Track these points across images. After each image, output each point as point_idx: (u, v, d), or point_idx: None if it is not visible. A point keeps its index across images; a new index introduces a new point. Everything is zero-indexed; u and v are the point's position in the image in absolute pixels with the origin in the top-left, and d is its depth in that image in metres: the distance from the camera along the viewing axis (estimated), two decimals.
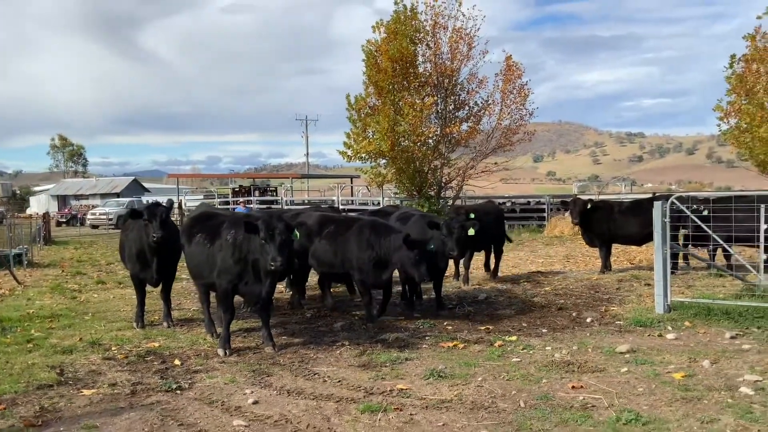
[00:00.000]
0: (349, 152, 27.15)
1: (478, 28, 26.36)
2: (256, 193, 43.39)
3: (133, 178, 69.05)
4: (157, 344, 8.12)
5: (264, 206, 33.89)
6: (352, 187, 42.96)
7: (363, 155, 26.78)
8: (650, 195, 17.36)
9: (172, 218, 9.84)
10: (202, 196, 48.94)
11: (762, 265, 10.76)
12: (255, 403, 5.80)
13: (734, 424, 5.01)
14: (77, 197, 62.86)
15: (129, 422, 5.35)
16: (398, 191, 29.18)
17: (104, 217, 40.03)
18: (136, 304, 9.47)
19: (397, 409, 5.52)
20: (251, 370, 6.90)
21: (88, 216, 42.42)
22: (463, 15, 26.27)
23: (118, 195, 57.81)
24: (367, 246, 8.91)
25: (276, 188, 47.18)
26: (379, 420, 5.30)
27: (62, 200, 63.50)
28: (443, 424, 5.17)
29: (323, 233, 9.61)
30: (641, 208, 13.27)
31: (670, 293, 9.39)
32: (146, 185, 72.08)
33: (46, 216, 30.07)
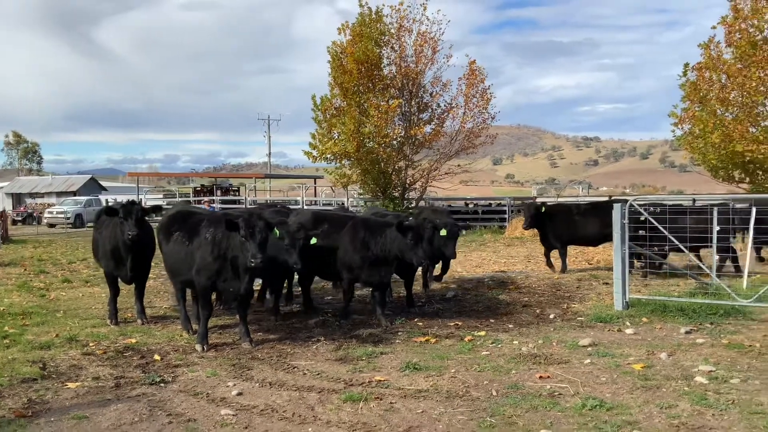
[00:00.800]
0: (315, 153, 27.38)
1: (443, 32, 26.90)
2: (218, 192, 43.20)
3: (90, 176, 67.64)
4: (134, 340, 8.23)
5: (227, 206, 33.76)
6: (315, 187, 43.04)
7: (328, 156, 27.04)
8: (606, 198, 18.01)
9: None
10: (161, 196, 48.45)
11: (715, 265, 11.38)
12: (239, 394, 6.02)
13: (690, 409, 5.43)
14: (32, 195, 61.44)
15: (118, 413, 5.52)
16: (363, 192, 29.49)
17: (61, 216, 39.32)
18: (109, 301, 9.53)
19: (377, 398, 5.81)
20: (231, 365, 7.10)
21: (45, 215, 41.59)
22: (428, 19, 26.77)
23: (74, 193, 56.68)
24: (362, 245, 9.06)
25: (238, 188, 47.02)
26: (361, 408, 5.58)
27: (17, 198, 61.97)
28: (422, 411, 5.48)
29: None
30: (598, 211, 13.84)
31: (628, 291, 9.88)
32: (103, 184, 70.83)
33: (2, 214, 29.46)
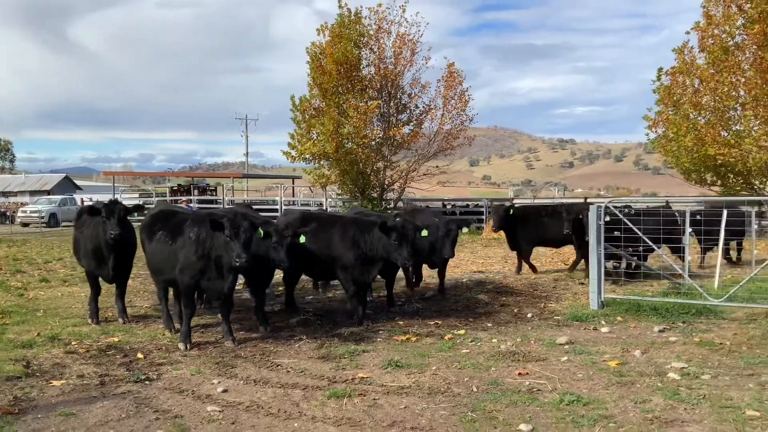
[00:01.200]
0: (294, 153, 27.45)
1: (422, 34, 27.13)
2: (196, 192, 42.94)
3: (64, 175, 66.97)
4: (116, 339, 8.25)
5: (205, 206, 33.62)
6: (293, 187, 43.00)
7: (307, 156, 27.12)
8: (582, 200, 18.30)
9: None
10: (137, 195, 48.07)
11: (687, 266, 11.66)
12: (224, 391, 6.10)
13: (663, 403, 5.64)
14: (5, 194, 60.56)
15: (105, 409, 5.58)
16: (341, 192, 29.60)
17: (35, 215, 38.84)
18: (90, 300, 9.52)
19: (361, 394, 5.94)
20: (215, 363, 7.18)
21: (18, 214, 41.04)
22: (407, 21, 26.98)
23: (48, 192, 56.02)
24: (353, 244, 9.13)
25: (216, 187, 46.78)
26: (346, 404, 5.70)
27: None
28: (405, 407, 5.62)
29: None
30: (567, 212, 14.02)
31: (604, 291, 10.12)
32: (78, 183, 70.02)
33: None
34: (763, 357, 7.10)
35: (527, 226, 14.26)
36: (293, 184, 45.15)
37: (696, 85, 23.49)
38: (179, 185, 47.36)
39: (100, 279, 9.50)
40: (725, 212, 12.96)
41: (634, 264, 12.28)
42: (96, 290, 9.52)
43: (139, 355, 7.46)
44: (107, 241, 8.79)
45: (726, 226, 11.94)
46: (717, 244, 12.49)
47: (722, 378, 6.37)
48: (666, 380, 6.33)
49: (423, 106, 27.91)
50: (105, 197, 38.51)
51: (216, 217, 7.74)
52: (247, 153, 68.84)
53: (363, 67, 27.14)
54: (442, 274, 11.73)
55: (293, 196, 41.68)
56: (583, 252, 12.80)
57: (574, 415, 5.35)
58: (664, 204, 14.50)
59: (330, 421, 5.28)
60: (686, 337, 8.12)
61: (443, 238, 10.50)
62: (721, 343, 7.75)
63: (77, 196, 45.93)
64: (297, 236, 8.68)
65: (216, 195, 43.10)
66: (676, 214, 12.97)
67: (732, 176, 24.03)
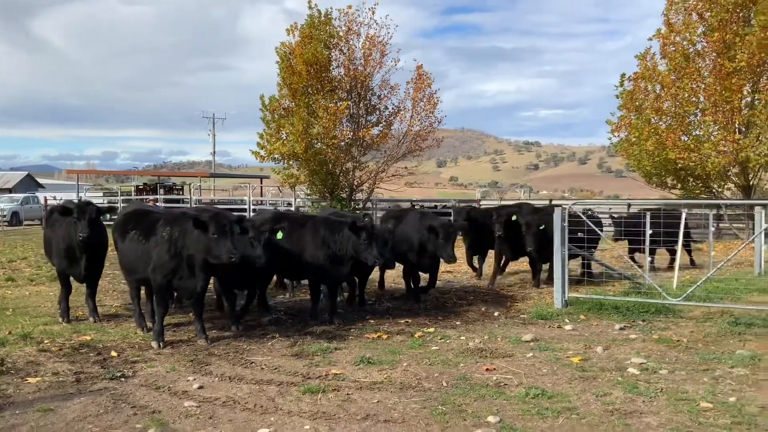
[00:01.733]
0: (263, 152, 27.41)
1: (391, 36, 27.32)
2: (162, 191, 42.52)
3: (26, 173, 65.59)
4: (88, 337, 8.29)
5: (171, 205, 33.35)
6: (261, 187, 42.87)
7: (276, 156, 27.11)
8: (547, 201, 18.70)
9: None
10: (101, 194, 47.43)
11: (647, 266, 12.09)
12: (200, 387, 6.22)
13: (623, 396, 5.93)
14: None
15: (82, 405, 5.66)
16: (310, 193, 29.64)
17: None
18: (61, 299, 9.51)
19: (335, 390, 6.12)
20: (189, 360, 7.28)
21: None
22: (377, 23, 27.15)
23: (10, 191, 54.91)
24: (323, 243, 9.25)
25: (182, 186, 46.37)
26: (320, 399, 5.87)
27: None
28: (378, 401, 5.82)
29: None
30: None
31: (567, 290, 10.44)
32: (40, 181, 68.69)
33: None
34: (718, 353, 7.46)
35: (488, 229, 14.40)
36: (261, 183, 44.99)
37: (657, 91, 24.13)
38: (145, 184, 46.82)
39: (71, 278, 9.51)
40: (684, 214, 13.45)
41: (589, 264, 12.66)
42: (67, 289, 9.52)
43: (113, 353, 7.52)
44: (78, 242, 8.82)
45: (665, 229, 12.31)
46: (656, 247, 12.85)
47: (679, 373, 6.71)
48: (626, 375, 6.63)
49: (392, 108, 28.10)
50: (69, 196, 37.83)
51: (198, 216, 7.81)
52: (214, 152, 68.49)
53: (333, 68, 27.23)
54: (433, 278, 11.23)
55: (261, 195, 41.55)
56: (530, 257, 12.95)
57: (539, 408, 5.60)
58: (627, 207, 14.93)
59: (306, 415, 5.44)
60: (645, 335, 8.48)
61: (443, 241, 10.20)
62: (678, 340, 8.10)
63: (40, 195, 45.13)
64: (274, 233, 8.78)
65: (183, 194, 42.74)
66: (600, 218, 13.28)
67: (691, 180, 24.72)
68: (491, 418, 5.33)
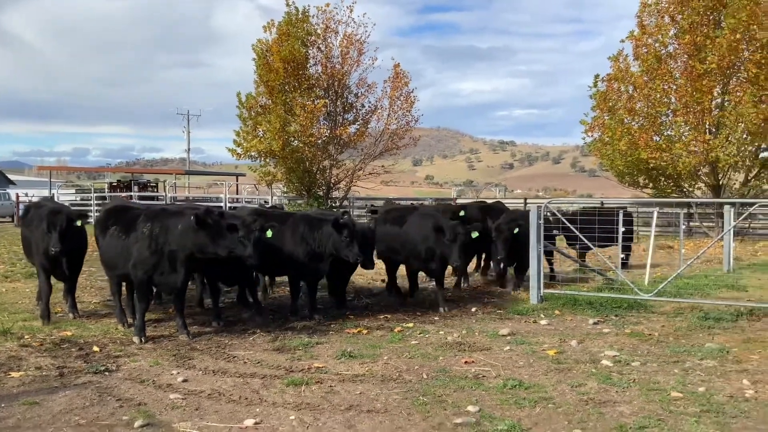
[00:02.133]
0: (239, 150, 27.42)
1: (368, 35, 27.49)
2: (136, 188, 42.14)
3: None
4: (69, 333, 8.29)
5: (147, 203, 33.10)
6: (237, 185, 42.72)
7: (253, 153, 27.13)
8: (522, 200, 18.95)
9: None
10: (73, 191, 46.87)
11: (620, 263, 12.39)
12: (185, 381, 6.30)
13: (597, 387, 6.15)
14: None
15: (68, 399, 5.72)
16: (287, 191, 29.69)
17: None
18: (41, 299, 9.25)
19: (318, 382, 6.25)
20: (172, 355, 7.34)
21: None
22: (354, 21, 27.29)
23: None
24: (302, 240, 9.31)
25: (157, 184, 45.99)
26: (304, 391, 5.99)
27: None
28: (360, 393, 5.96)
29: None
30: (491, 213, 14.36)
31: (542, 286, 10.67)
32: (10, 177, 67.55)
33: None
34: (688, 346, 7.72)
35: None
36: (237, 181, 44.82)
37: (630, 92, 24.57)
38: (119, 181, 46.35)
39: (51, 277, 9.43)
40: (655, 213, 13.77)
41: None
42: (48, 289, 9.23)
43: (95, 348, 7.55)
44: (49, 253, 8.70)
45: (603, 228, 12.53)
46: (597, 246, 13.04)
47: (650, 365, 6.94)
48: (600, 367, 6.85)
49: (369, 106, 28.31)
50: (41, 192, 37.18)
51: (203, 214, 7.83)
52: (189, 149, 67.93)
53: (310, 66, 27.34)
54: (440, 283, 10.53)
55: (237, 193, 41.41)
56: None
57: (516, 398, 5.79)
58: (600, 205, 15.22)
59: (290, 406, 5.56)
60: (618, 329, 8.73)
61: (450, 243, 9.77)
62: (650, 334, 8.36)
63: (11, 191, 44.43)
64: (264, 231, 8.83)
65: (157, 191, 42.39)
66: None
67: (663, 179, 25.21)
68: (471, 408, 5.50)
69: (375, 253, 10.15)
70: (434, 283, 10.75)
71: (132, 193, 37.90)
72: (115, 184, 44.61)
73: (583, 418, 5.32)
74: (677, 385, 6.18)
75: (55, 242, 8.51)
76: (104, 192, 41.31)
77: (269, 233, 8.97)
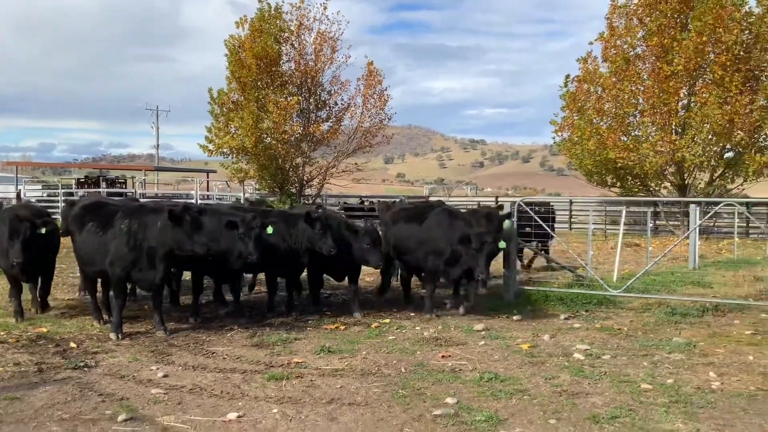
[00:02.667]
0: (211, 147, 27.24)
1: (342, 33, 27.50)
2: (104, 184, 41.58)
3: None
4: (45, 329, 8.25)
5: (118, 198, 32.67)
6: (208, 181, 42.41)
7: (225, 150, 26.97)
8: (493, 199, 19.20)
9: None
10: (40, 187, 46.09)
11: (590, 260, 12.66)
12: (165, 376, 6.35)
13: (570, 379, 6.35)
14: None
15: (49, 394, 5.73)
16: (259, 187, 29.59)
17: None
18: (12, 298, 9.12)
19: (298, 377, 6.34)
20: (150, 351, 7.36)
21: None
22: (328, 19, 27.28)
23: None
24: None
25: (125, 180, 45.41)
26: (285, 385, 6.08)
27: None
28: (341, 387, 6.07)
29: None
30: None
31: (515, 283, 10.89)
32: None
33: None
34: (656, 340, 7.98)
35: None
36: (208, 178, 44.48)
37: (599, 93, 24.99)
38: (86, 177, 45.66)
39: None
40: (624, 211, 14.06)
41: None
42: (17, 288, 9.08)
43: (72, 345, 7.54)
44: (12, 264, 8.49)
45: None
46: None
47: (620, 358, 7.18)
48: (572, 360, 7.06)
49: (342, 104, 28.33)
50: (7, 188, 36.37)
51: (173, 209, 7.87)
52: (158, 145, 67.08)
53: (283, 63, 27.25)
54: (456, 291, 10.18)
55: (208, 190, 41.11)
56: None
57: (493, 390, 5.96)
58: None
59: (272, 400, 5.65)
60: (589, 324, 8.97)
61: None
62: (619, 329, 8.62)
63: None
64: (265, 227, 8.83)
65: (126, 188, 41.86)
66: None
67: (630, 178, 25.70)
68: (449, 400, 5.65)
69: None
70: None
71: (100, 190, 37.39)
72: (82, 180, 43.93)
73: (557, 409, 5.50)
74: (647, 378, 6.41)
75: (17, 253, 8.20)
76: (71, 188, 40.73)
77: (270, 230, 8.91)
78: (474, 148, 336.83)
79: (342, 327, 8.67)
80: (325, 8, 27.18)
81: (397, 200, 18.77)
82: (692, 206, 15.81)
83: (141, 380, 6.21)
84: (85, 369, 6.55)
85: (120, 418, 5.16)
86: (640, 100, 24.13)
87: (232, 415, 5.27)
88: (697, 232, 14.59)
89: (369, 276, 12.56)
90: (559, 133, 26.66)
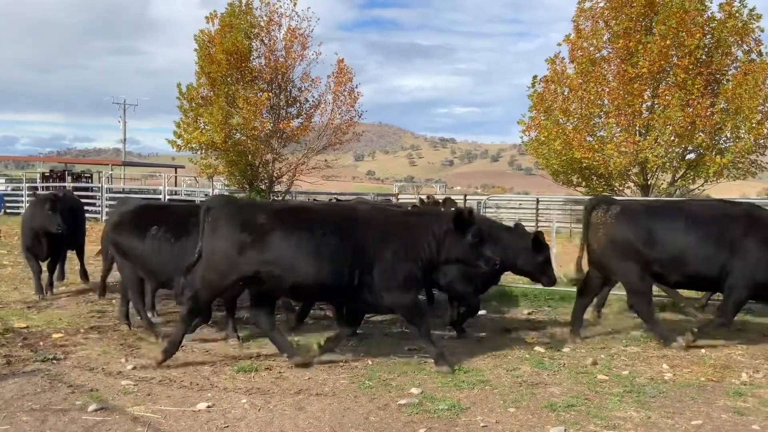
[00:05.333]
0: (180, 142, 27.07)
1: (312, 29, 27.52)
2: (69, 179, 41.01)
3: None
4: (12, 324, 8.24)
5: (80, 194, 32.31)
6: (176, 177, 42.07)
7: (194, 145, 26.84)
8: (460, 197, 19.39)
9: None
10: (2, 180, 45.32)
11: (554, 257, 12.91)
12: (134, 368, 6.42)
13: (530, 371, 6.59)
14: None
15: (18, 385, 5.77)
16: (228, 183, 29.49)
17: None
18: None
19: (267, 368, 6.48)
20: (119, 344, 7.42)
21: None
22: (298, 15, 27.28)
23: None
24: None
25: (91, 175, 44.81)
26: (254, 377, 6.22)
27: None
28: (309, 378, 6.22)
29: None
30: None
31: None
32: None
33: None
34: (614, 333, 8.28)
35: None
36: (176, 173, 44.13)
37: (566, 94, 25.40)
38: (51, 171, 44.98)
39: None
40: None
41: None
42: None
43: (40, 338, 7.56)
44: None
45: None
46: None
47: (579, 350, 7.45)
48: (533, 353, 7.31)
49: (313, 101, 28.34)
50: None
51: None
52: (125, 139, 66.26)
53: (253, 59, 27.16)
54: None
55: (176, 185, 40.79)
56: None
57: (456, 381, 6.17)
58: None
59: (241, 391, 5.78)
60: (550, 318, 9.25)
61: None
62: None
63: None
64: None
65: (92, 182, 41.32)
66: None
67: (595, 178, 26.14)
68: (414, 390, 5.84)
69: None
70: None
71: (66, 184, 36.88)
72: (47, 174, 43.27)
73: (516, 398, 5.72)
74: (603, 369, 6.68)
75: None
76: (36, 182, 40.09)
77: None
78: (444, 146, 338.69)
79: (311, 321, 8.81)
80: (295, 4, 27.18)
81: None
82: None
83: (110, 372, 6.28)
84: (54, 361, 6.59)
85: (90, 408, 5.25)
86: (606, 102, 24.55)
87: (202, 405, 5.39)
88: None
89: None
90: (527, 133, 26.97)
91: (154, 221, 7.66)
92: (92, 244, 13.42)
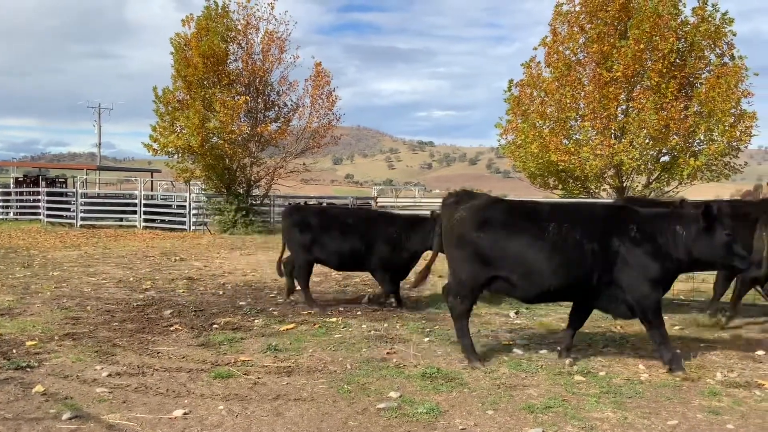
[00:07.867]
0: (156, 146, 26.87)
1: (290, 33, 27.50)
2: (44, 183, 40.41)
3: None
4: None
5: (55, 198, 31.91)
6: (152, 181, 41.66)
7: (171, 149, 26.64)
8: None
9: None
10: None
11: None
12: (109, 375, 6.34)
13: (509, 373, 6.62)
14: None
15: None
16: (206, 188, 29.29)
17: None
18: None
19: (245, 374, 6.43)
20: (94, 351, 7.31)
21: None
22: (276, 19, 27.25)
23: None
24: None
25: (66, 179, 44.21)
26: (231, 383, 6.16)
27: None
28: (287, 383, 6.19)
29: None
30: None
31: None
32: None
33: None
34: (591, 335, 8.36)
35: None
36: (152, 177, 43.68)
37: (542, 97, 25.61)
38: (25, 175, 44.29)
39: None
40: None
41: None
42: None
43: (13, 346, 7.43)
44: None
45: None
46: None
47: (557, 352, 7.47)
48: (511, 355, 7.34)
49: (291, 104, 28.30)
50: None
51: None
52: (100, 143, 65.43)
53: (230, 62, 27.07)
54: None
55: (152, 190, 40.38)
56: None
57: (435, 384, 6.17)
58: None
59: (218, 398, 5.73)
60: (529, 321, 9.31)
61: None
62: (557, 325, 8.95)
63: None
64: None
65: (66, 187, 40.77)
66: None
67: (571, 181, 26.39)
68: (393, 394, 5.83)
69: None
70: None
71: (40, 189, 36.33)
72: (21, 179, 42.62)
73: (495, 401, 5.74)
74: (581, 370, 6.73)
75: None
76: (9, 187, 39.48)
77: None
78: (422, 149, 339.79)
79: (290, 326, 8.76)
80: (272, 8, 27.15)
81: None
82: None
83: (85, 380, 6.20)
84: (28, 369, 6.49)
85: (64, 416, 5.17)
86: (581, 105, 24.80)
87: (178, 413, 5.33)
88: None
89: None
90: (504, 137, 27.18)
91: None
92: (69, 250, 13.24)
